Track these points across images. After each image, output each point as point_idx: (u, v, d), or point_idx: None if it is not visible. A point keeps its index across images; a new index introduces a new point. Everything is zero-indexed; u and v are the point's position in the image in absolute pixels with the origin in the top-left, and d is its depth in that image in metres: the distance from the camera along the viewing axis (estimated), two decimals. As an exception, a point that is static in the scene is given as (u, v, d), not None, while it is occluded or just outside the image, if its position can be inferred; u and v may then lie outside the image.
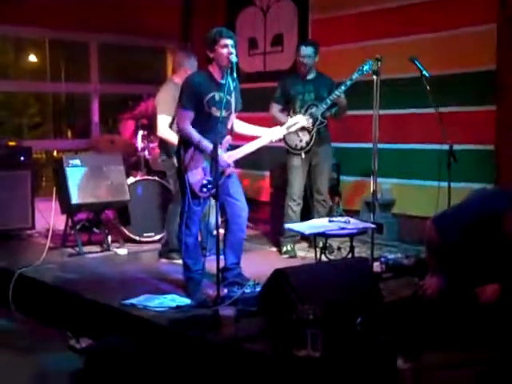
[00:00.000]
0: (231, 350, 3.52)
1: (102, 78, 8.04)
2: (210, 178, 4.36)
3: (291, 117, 5.49)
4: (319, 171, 5.87)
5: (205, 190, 4.39)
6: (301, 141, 5.76)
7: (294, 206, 5.85)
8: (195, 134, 4.38)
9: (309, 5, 7.23)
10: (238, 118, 4.72)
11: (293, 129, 4.79)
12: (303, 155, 5.77)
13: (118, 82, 8.60)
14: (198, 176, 4.39)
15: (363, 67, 5.36)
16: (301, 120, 4.83)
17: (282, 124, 4.91)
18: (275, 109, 5.86)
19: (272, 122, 5.37)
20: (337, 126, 6.06)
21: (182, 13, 8.37)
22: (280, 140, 4.97)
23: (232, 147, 4.59)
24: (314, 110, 5.69)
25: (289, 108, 5.80)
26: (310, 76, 5.80)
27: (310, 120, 5.59)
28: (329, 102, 5.63)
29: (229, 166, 4.48)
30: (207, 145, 4.33)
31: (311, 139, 5.74)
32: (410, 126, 6.32)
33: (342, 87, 5.53)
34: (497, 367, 3.11)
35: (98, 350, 4.05)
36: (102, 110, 8.12)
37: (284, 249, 5.87)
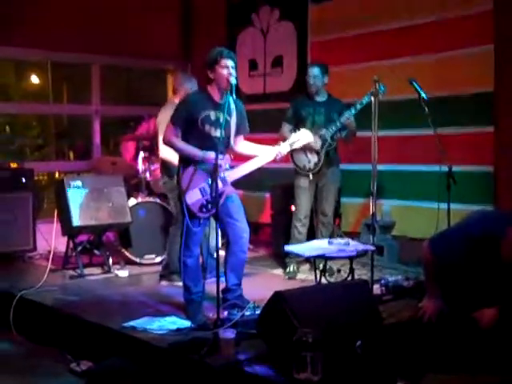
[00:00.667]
0: (231, 373, 3.52)
1: (103, 100, 8.09)
2: (209, 199, 4.36)
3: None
4: (326, 193, 5.88)
5: (204, 210, 4.40)
6: (309, 162, 5.79)
7: (300, 226, 5.86)
8: (183, 145, 4.41)
9: (308, 26, 7.30)
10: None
11: (297, 145, 4.71)
12: (311, 176, 5.80)
13: (120, 103, 8.65)
14: (195, 197, 4.39)
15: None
16: (304, 136, 4.75)
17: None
18: (286, 129, 5.85)
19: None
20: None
21: (182, 34, 8.45)
22: (287, 157, 4.86)
23: (232, 168, 4.60)
24: (323, 131, 5.72)
25: (299, 129, 5.80)
26: (321, 98, 5.84)
27: (319, 141, 5.64)
28: (338, 124, 5.65)
29: (227, 184, 4.48)
30: (210, 155, 4.29)
31: (319, 160, 5.76)
32: (409, 148, 6.34)
33: (352, 110, 5.56)
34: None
35: (98, 373, 4.05)
36: (103, 132, 8.16)
37: (287, 269, 5.88)
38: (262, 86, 7.82)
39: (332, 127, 5.68)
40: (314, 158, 5.79)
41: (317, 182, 5.87)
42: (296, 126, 5.77)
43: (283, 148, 4.67)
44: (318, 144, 5.67)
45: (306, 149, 5.63)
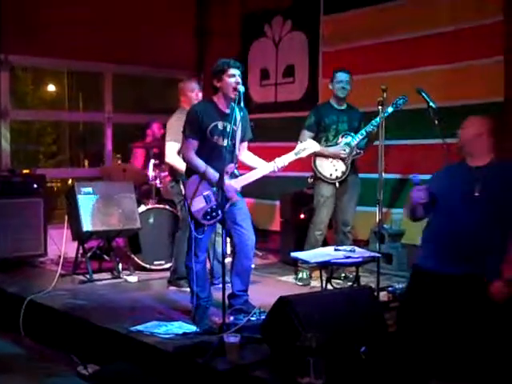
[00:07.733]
0: (235, 377, 3.54)
1: (116, 108, 8.14)
2: (213, 206, 4.42)
3: (325, 146, 5.57)
4: (348, 202, 5.83)
5: (208, 217, 4.44)
6: (336, 170, 5.74)
7: (319, 235, 5.81)
8: (201, 164, 4.44)
9: (320, 37, 7.34)
10: (248, 147, 4.75)
11: (303, 154, 4.70)
12: (337, 185, 5.75)
13: (132, 111, 8.73)
14: (199, 204, 4.43)
15: (397, 101, 5.48)
16: (311, 145, 4.75)
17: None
18: (307, 136, 5.68)
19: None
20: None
21: (196, 44, 8.52)
22: (296, 165, 4.81)
23: (235, 176, 4.62)
24: (348, 139, 5.72)
25: (320, 137, 5.76)
26: (343, 106, 5.83)
27: (347, 149, 5.65)
28: (364, 133, 5.65)
29: (236, 191, 4.51)
30: (213, 174, 4.40)
31: (347, 169, 5.74)
32: (418, 157, 6.33)
33: (378, 119, 5.48)
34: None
35: (104, 376, 4.08)
36: (117, 139, 8.21)
37: (299, 275, 5.87)
38: (274, 95, 7.86)
39: (358, 136, 5.67)
40: (341, 167, 5.73)
41: (338, 190, 5.80)
42: (317, 134, 5.78)
43: (288, 157, 4.63)
44: (346, 152, 5.67)
45: (331, 157, 5.67)
